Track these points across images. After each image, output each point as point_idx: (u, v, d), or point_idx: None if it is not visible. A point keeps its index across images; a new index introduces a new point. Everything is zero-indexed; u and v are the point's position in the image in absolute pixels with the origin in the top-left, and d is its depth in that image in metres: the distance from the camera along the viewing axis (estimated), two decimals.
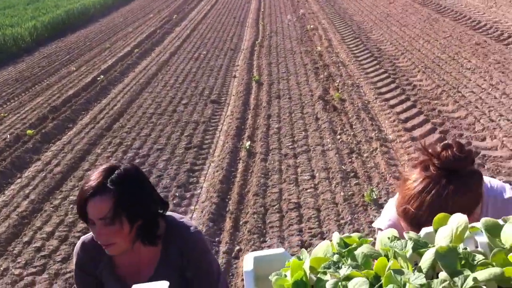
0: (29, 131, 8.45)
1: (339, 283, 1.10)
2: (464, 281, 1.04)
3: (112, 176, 1.98)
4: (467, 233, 1.19)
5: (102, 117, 9.03)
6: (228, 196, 5.68)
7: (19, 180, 6.87)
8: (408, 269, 1.13)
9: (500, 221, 1.21)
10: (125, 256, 2.11)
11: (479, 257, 1.12)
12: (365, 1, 17.59)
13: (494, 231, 1.20)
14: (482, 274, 1.04)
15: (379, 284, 1.10)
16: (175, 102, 9.38)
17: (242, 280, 4.03)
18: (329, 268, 1.15)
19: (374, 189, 5.28)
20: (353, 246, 1.24)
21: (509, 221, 1.20)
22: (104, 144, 7.72)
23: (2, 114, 10.01)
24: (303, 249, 1.25)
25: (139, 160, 6.94)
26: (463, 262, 1.11)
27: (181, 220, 2.17)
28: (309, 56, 11.41)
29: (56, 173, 6.83)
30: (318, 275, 1.17)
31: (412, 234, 1.20)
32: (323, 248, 1.25)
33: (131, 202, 1.97)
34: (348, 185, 5.51)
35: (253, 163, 6.42)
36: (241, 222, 5.13)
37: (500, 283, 1.06)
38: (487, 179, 1.92)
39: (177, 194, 5.85)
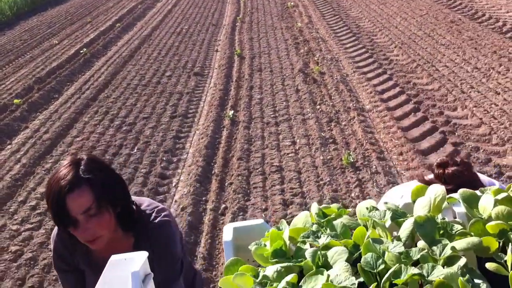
0: (16, 101, 8.61)
1: (318, 252, 1.11)
2: (443, 250, 1.05)
3: (82, 166, 1.91)
4: (445, 203, 1.21)
5: (87, 87, 9.21)
6: (213, 161, 5.98)
7: (9, 147, 7.07)
8: (387, 238, 1.15)
9: (478, 192, 1.24)
10: (102, 247, 2.02)
11: (457, 227, 1.13)
12: None
13: (471, 201, 1.22)
14: (460, 244, 1.06)
15: (358, 252, 1.12)
16: (158, 74, 9.59)
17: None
18: (308, 237, 1.17)
19: (352, 153, 5.62)
20: (331, 216, 1.26)
21: (486, 192, 1.23)
22: (91, 113, 7.93)
23: None
24: (283, 220, 1.28)
25: (126, 127, 7.19)
26: (441, 232, 1.12)
27: (149, 203, 2.11)
28: (290, 32, 11.67)
29: (46, 140, 7.05)
30: (298, 244, 1.18)
31: (390, 204, 1.23)
32: (302, 219, 1.26)
33: (109, 187, 1.92)
34: (327, 150, 5.84)
35: (237, 131, 6.71)
36: (226, 183, 5.44)
37: (478, 252, 1.08)
38: (479, 176, 2.00)
39: (164, 159, 6.13)
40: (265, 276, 1.10)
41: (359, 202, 4.60)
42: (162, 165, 5.99)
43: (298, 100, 7.49)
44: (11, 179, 6.00)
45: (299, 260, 1.14)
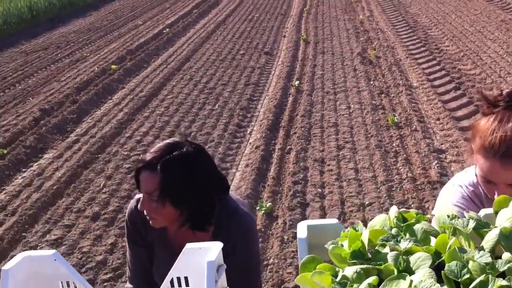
0: (113, 66, 10.16)
1: (400, 256, 1.09)
2: None
3: (166, 157, 1.94)
4: None
5: (171, 60, 10.68)
6: (281, 117, 7.26)
7: (110, 101, 8.57)
8: (470, 247, 1.12)
9: None
10: (177, 232, 2.08)
11: None
12: None
13: None
14: None
15: (441, 259, 1.09)
16: (233, 52, 10.96)
17: (290, 174, 5.59)
18: (388, 240, 1.14)
19: (396, 116, 6.79)
20: (411, 221, 1.22)
21: None
22: (177, 79, 9.37)
23: (84, 54, 11.77)
24: (359, 221, 1.28)
25: (207, 90, 8.57)
26: None
27: (235, 206, 2.11)
28: (352, 23, 12.83)
29: (141, 96, 8.51)
30: (376, 247, 1.16)
31: (473, 214, 1.21)
32: (380, 221, 1.24)
33: (176, 187, 1.93)
34: (376, 113, 7.03)
35: (300, 97, 7.98)
36: (291, 133, 6.72)
37: None
38: None
39: (240, 114, 7.46)
40: (344, 276, 1.09)
41: (399, 152, 5.80)
42: (238, 118, 7.32)
43: (355, 76, 8.68)
44: (117, 122, 7.47)
45: (378, 263, 1.12)
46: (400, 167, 5.53)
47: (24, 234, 4.84)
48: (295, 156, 5.97)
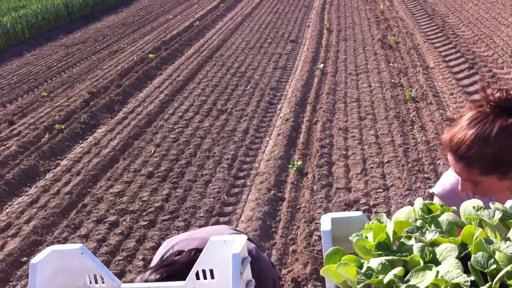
0: (150, 55, 10.98)
1: (426, 248, 1.10)
2: None
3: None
4: None
5: (204, 49, 11.46)
6: (308, 95, 7.99)
7: (151, 85, 9.38)
8: (496, 238, 1.13)
9: None
10: None
11: None
12: None
13: None
14: None
15: (467, 251, 1.10)
16: (261, 41, 11.70)
17: (317, 140, 6.31)
18: (413, 232, 1.14)
19: (413, 91, 7.47)
20: (436, 213, 1.23)
21: None
22: (211, 65, 10.15)
23: (121, 46, 12.63)
24: (383, 214, 1.28)
25: (239, 74, 9.33)
26: None
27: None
28: (373, 12, 13.47)
29: (179, 80, 9.31)
30: (402, 239, 1.17)
31: (498, 205, 1.21)
32: (405, 213, 1.24)
33: None
34: (395, 90, 7.71)
35: (325, 78, 8.69)
36: (317, 107, 7.44)
37: None
38: None
39: (270, 93, 8.21)
40: (369, 268, 1.08)
41: (415, 121, 6.49)
42: (269, 97, 8.07)
43: (376, 60, 9.36)
44: (159, 101, 8.27)
45: (404, 254, 1.12)
46: (416, 133, 6.22)
47: (89, 189, 5.66)
48: (322, 126, 6.70)
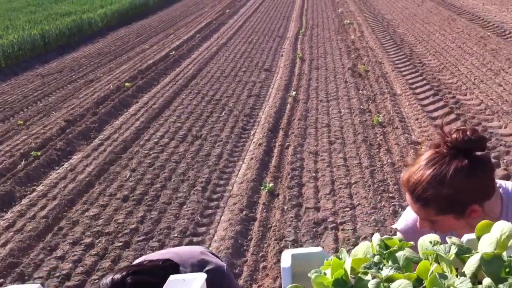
0: (127, 84, 11.18)
1: (381, 284, 1.11)
2: None
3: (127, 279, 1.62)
4: (511, 241, 1.18)
5: (179, 78, 11.70)
6: (280, 121, 8.24)
7: (127, 112, 9.55)
8: (451, 273, 1.13)
9: None
10: None
11: None
12: (397, 4, 19.96)
13: None
14: None
15: (421, 286, 1.11)
16: (235, 70, 12.00)
17: (289, 163, 6.53)
18: (370, 268, 1.15)
19: (381, 117, 7.77)
20: (394, 248, 1.24)
21: None
22: (186, 93, 10.37)
23: (98, 75, 12.81)
24: (342, 249, 1.29)
25: (214, 101, 9.56)
26: (507, 270, 1.10)
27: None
28: (344, 43, 13.90)
29: (155, 108, 9.51)
30: (359, 275, 1.18)
31: (455, 239, 1.21)
32: (363, 249, 1.25)
33: None
34: (363, 116, 8.01)
35: (297, 105, 8.97)
36: (289, 133, 7.68)
37: None
38: (503, 182, 1.93)
39: (244, 120, 8.45)
40: None
41: (382, 144, 6.78)
42: (243, 123, 8.30)
43: (346, 87, 9.69)
44: (135, 128, 8.44)
45: None
46: (382, 156, 6.49)
47: (65, 213, 5.77)
48: (293, 150, 6.93)
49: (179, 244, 4.90)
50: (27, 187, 6.60)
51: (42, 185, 6.65)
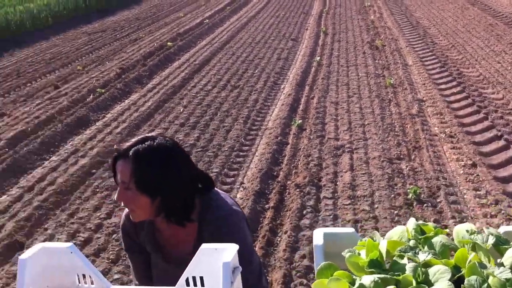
0: (169, 43, 12.58)
1: (419, 268, 1.12)
2: None
3: (137, 147, 1.98)
4: None
5: (214, 42, 13.09)
6: (306, 79, 9.63)
7: (171, 66, 10.96)
8: (489, 263, 1.14)
9: None
10: (163, 228, 2.13)
11: None
12: None
13: None
14: None
15: (460, 274, 1.11)
16: (265, 38, 13.36)
17: (314, 108, 7.90)
18: (406, 252, 1.16)
19: (393, 80, 9.14)
20: (429, 234, 1.24)
21: None
22: (222, 54, 11.77)
23: (140, 35, 14.21)
24: (375, 231, 1.33)
25: (247, 62, 10.96)
26: None
27: (219, 201, 2.12)
28: (364, 22, 15.21)
29: (196, 64, 10.92)
30: (394, 258, 1.18)
31: (492, 230, 1.22)
32: (398, 233, 1.25)
33: (148, 176, 1.96)
34: (378, 79, 9.38)
35: (321, 68, 10.35)
36: (313, 88, 9.08)
37: None
38: None
39: (275, 76, 9.84)
40: (362, 285, 1.10)
41: (392, 99, 8.17)
42: (274, 78, 9.71)
43: (364, 57, 11.05)
44: (181, 78, 9.86)
45: (396, 273, 1.13)
46: (391, 107, 7.87)
47: (134, 132, 7.21)
48: (317, 99, 8.33)
49: (230, 156, 6.33)
50: (98, 114, 8.06)
51: (110, 114, 8.10)
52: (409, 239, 1.24)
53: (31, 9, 16.38)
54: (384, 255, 1.18)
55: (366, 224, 4.81)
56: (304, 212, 5.04)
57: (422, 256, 1.15)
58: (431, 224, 1.31)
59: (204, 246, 1.38)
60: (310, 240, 4.59)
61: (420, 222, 1.33)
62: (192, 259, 1.40)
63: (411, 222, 1.30)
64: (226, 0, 20.04)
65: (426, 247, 1.21)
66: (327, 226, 4.79)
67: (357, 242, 1.29)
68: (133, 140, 2.05)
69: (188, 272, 1.39)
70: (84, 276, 1.43)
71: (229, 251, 1.34)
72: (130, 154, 1.97)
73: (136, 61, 11.05)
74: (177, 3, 20.36)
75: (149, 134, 2.10)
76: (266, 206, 5.22)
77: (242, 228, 2.11)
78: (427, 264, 1.14)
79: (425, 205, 5.11)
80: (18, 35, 15.02)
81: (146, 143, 2.01)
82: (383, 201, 5.18)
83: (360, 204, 5.15)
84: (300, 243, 4.56)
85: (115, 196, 2.05)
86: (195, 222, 2.07)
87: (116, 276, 4.18)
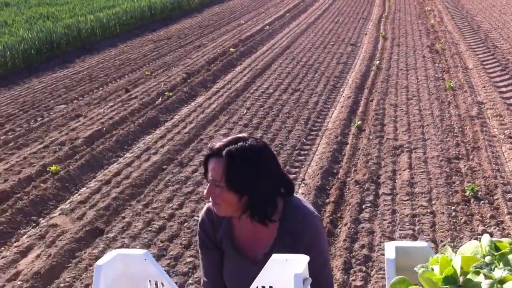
0: (231, 49, 13.04)
1: (495, 285, 1.09)
2: None
3: (230, 147, 2.09)
4: None
5: (275, 47, 13.46)
6: (365, 82, 9.84)
7: (233, 71, 11.39)
8: None
9: None
10: (243, 227, 2.21)
11: None
12: None
13: None
14: None
15: None
16: (324, 43, 13.62)
17: (373, 110, 8.11)
18: (481, 268, 1.13)
19: (452, 83, 9.22)
20: (505, 250, 1.20)
21: None
22: (282, 59, 12.12)
23: (203, 42, 14.76)
24: (447, 246, 1.29)
25: (307, 66, 11.26)
26: None
27: (300, 203, 2.20)
28: (424, 26, 15.23)
29: (257, 68, 11.31)
30: (469, 275, 1.15)
31: None
32: (471, 248, 1.23)
33: (237, 176, 2.06)
34: (438, 82, 9.48)
35: (380, 72, 10.52)
36: (373, 91, 9.28)
37: None
38: None
39: (334, 80, 10.10)
40: None
41: (451, 102, 8.28)
42: (333, 82, 9.97)
43: (423, 61, 11.14)
44: (244, 82, 10.26)
45: None
46: (451, 109, 7.99)
47: (201, 132, 7.64)
48: (376, 102, 8.54)
49: (291, 154, 6.64)
50: (167, 115, 8.55)
51: (178, 115, 8.57)
52: (484, 255, 1.24)
53: (101, 18, 17.25)
54: (459, 271, 1.17)
55: (423, 218, 5.01)
56: (363, 206, 5.29)
57: (498, 273, 1.13)
58: (506, 240, 1.31)
59: (275, 256, 1.42)
60: (369, 231, 4.84)
61: (495, 239, 1.34)
62: (263, 268, 1.43)
63: (485, 238, 1.30)
64: (286, 7, 20.42)
65: (501, 264, 1.18)
66: (385, 220, 5.03)
67: (429, 256, 1.30)
68: (226, 139, 2.17)
69: (258, 281, 1.41)
70: (156, 284, 1.47)
71: (300, 262, 1.35)
72: (224, 153, 2.08)
73: (200, 67, 11.54)
74: (237, 11, 20.89)
75: (241, 135, 2.21)
76: (327, 200, 5.50)
77: (322, 232, 2.21)
78: (503, 281, 1.13)
79: (482, 202, 5.26)
80: (89, 43, 15.87)
81: (238, 143, 2.11)
82: (441, 197, 5.36)
83: (418, 200, 5.35)
84: (359, 234, 4.81)
85: (204, 192, 2.17)
86: (276, 223, 2.16)
87: (188, 260, 4.56)
